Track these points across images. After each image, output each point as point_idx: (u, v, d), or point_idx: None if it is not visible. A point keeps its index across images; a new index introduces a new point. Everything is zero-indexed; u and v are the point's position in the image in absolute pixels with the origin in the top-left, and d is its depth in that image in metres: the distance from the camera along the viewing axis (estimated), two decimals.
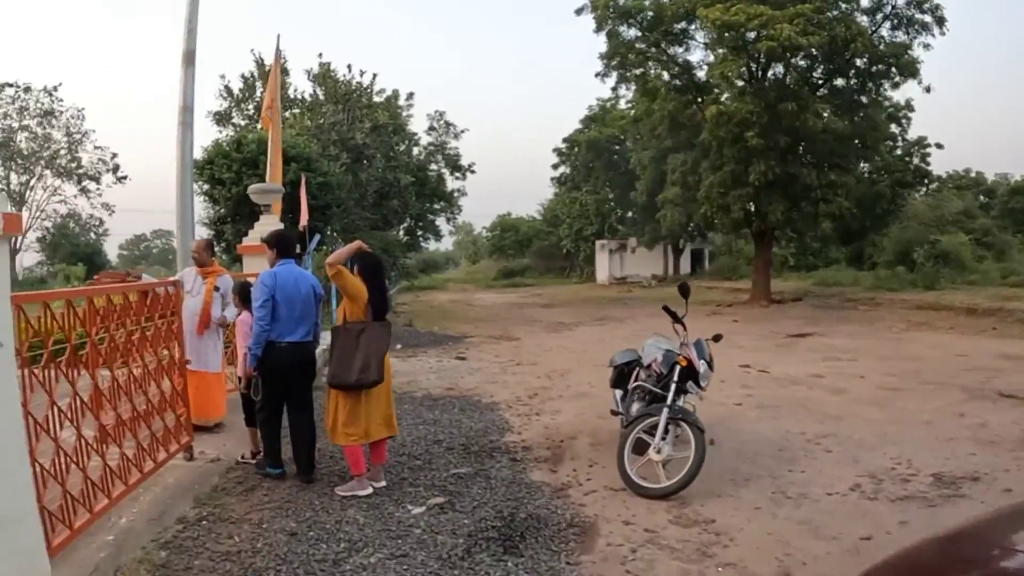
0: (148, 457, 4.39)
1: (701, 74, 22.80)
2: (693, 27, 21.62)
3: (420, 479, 5.02)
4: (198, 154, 17.09)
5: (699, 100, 22.23)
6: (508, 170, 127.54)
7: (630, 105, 29.70)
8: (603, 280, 38.26)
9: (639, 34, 22.01)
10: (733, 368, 9.33)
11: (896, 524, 4.10)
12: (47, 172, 38.86)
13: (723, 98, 21.41)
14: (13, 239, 7.63)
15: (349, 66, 25.46)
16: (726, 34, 19.44)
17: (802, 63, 21.02)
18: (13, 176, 38.06)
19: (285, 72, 23.34)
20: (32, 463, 3.09)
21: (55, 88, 38.38)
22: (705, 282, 29.38)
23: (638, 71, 22.88)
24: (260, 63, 24.25)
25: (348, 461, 4.76)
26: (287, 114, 23.07)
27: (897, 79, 20.55)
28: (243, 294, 5.47)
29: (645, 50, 22.13)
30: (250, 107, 24.57)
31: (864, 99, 21.35)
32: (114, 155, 40.00)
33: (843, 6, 20.30)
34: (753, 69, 21.11)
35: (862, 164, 24.56)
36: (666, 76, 23.00)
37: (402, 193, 25.44)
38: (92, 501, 3.61)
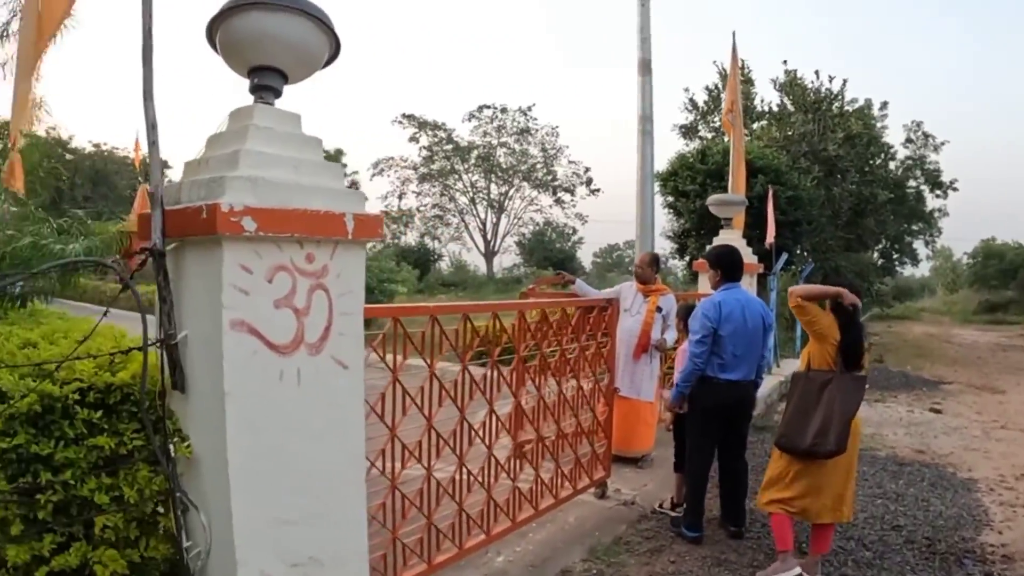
0: (548, 492, 3.99)
1: None
2: None
3: None
4: (662, 166, 17.47)
5: None
6: (992, 189, 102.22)
7: None
8: None
9: None
10: None
11: None
12: (524, 184, 43.96)
13: None
14: (370, 244, 7.55)
15: (817, 72, 23.40)
16: None
17: None
18: (493, 187, 44.07)
19: (749, 82, 22.50)
20: (391, 491, 2.84)
21: (529, 108, 43.16)
22: None
23: None
24: (723, 74, 23.81)
25: (774, 533, 3.70)
26: (755, 126, 22.11)
27: None
28: (688, 318, 4.73)
29: None
30: (715, 120, 24.34)
31: None
32: (587, 169, 44.34)
33: None
34: None
35: None
36: None
37: (879, 211, 22.26)
38: (464, 536, 3.31)
